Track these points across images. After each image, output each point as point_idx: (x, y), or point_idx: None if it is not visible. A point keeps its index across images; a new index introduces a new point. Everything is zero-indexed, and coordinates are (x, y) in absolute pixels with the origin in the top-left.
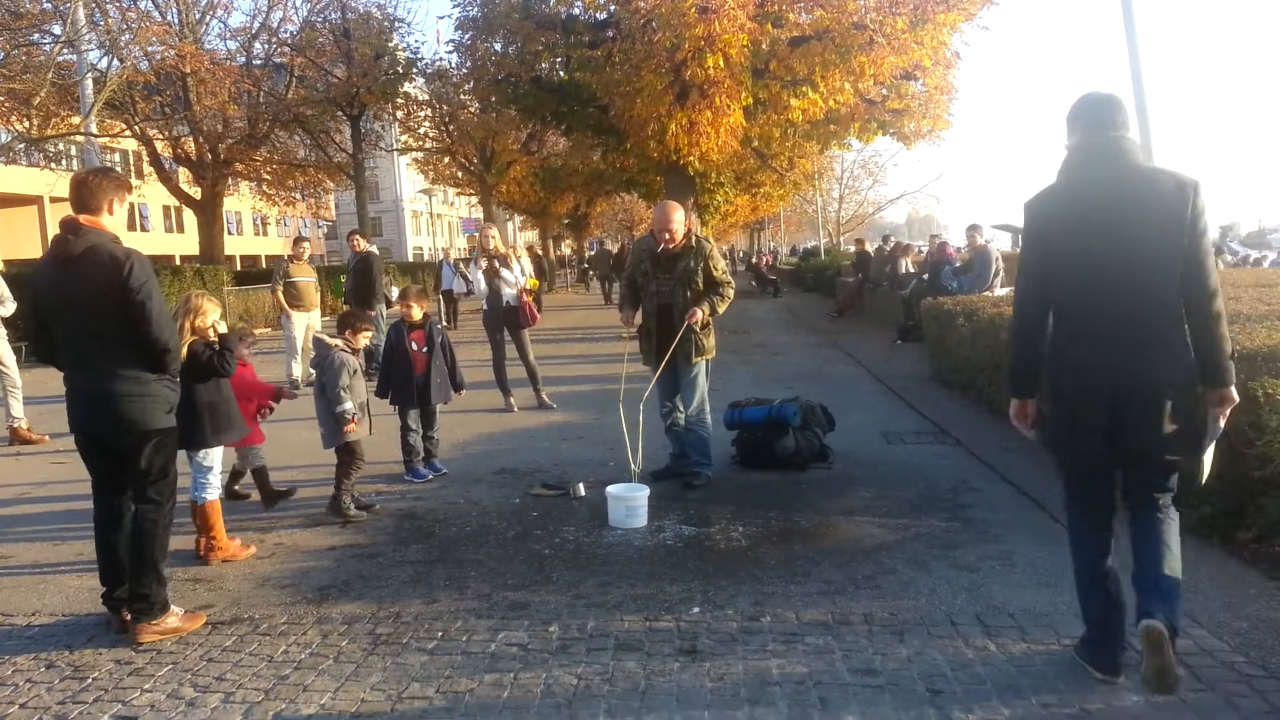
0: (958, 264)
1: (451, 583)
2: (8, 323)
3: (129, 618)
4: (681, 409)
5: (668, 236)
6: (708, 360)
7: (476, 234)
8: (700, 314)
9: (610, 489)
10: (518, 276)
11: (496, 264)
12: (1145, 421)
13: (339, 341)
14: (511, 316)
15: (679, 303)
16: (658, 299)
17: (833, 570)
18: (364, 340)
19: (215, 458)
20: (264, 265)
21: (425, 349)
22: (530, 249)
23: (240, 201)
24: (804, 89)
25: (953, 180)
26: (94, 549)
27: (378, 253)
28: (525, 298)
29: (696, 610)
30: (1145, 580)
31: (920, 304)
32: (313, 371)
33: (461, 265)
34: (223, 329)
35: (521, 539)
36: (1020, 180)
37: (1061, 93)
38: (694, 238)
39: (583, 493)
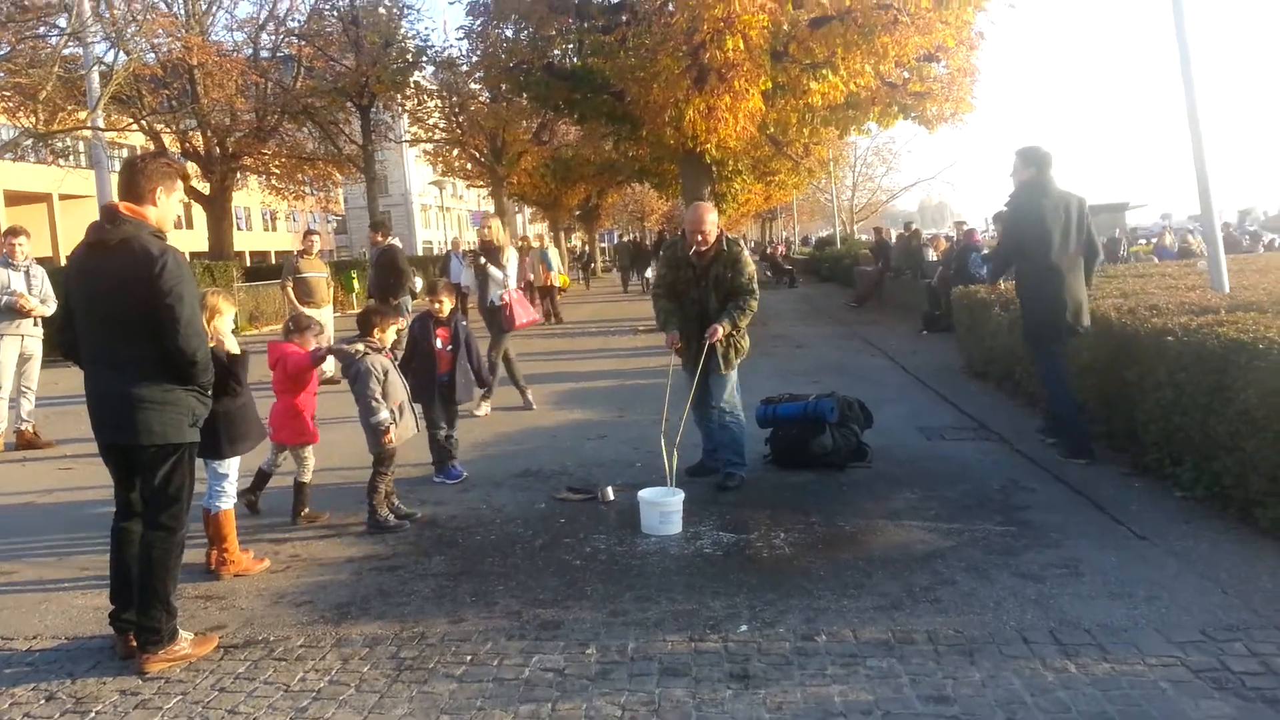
0: (985, 251)
1: (478, 598)
2: (48, 322)
3: (135, 644)
4: (712, 403)
5: (700, 238)
6: (740, 360)
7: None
8: (721, 330)
9: (642, 494)
10: (507, 274)
11: (484, 260)
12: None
13: (360, 346)
14: (494, 316)
15: (710, 309)
16: (698, 307)
17: (887, 581)
18: (393, 333)
19: (232, 465)
20: (274, 261)
21: (450, 347)
22: (570, 246)
23: (249, 196)
24: (824, 72)
25: (967, 166)
26: (100, 562)
27: (400, 245)
28: (507, 297)
29: (744, 628)
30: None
31: (950, 293)
32: (326, 371)
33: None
34: (233, 346)
35: (550, 548)
36: None
37: (1078, 76)
38: (725, 240)
39: (611, 496)
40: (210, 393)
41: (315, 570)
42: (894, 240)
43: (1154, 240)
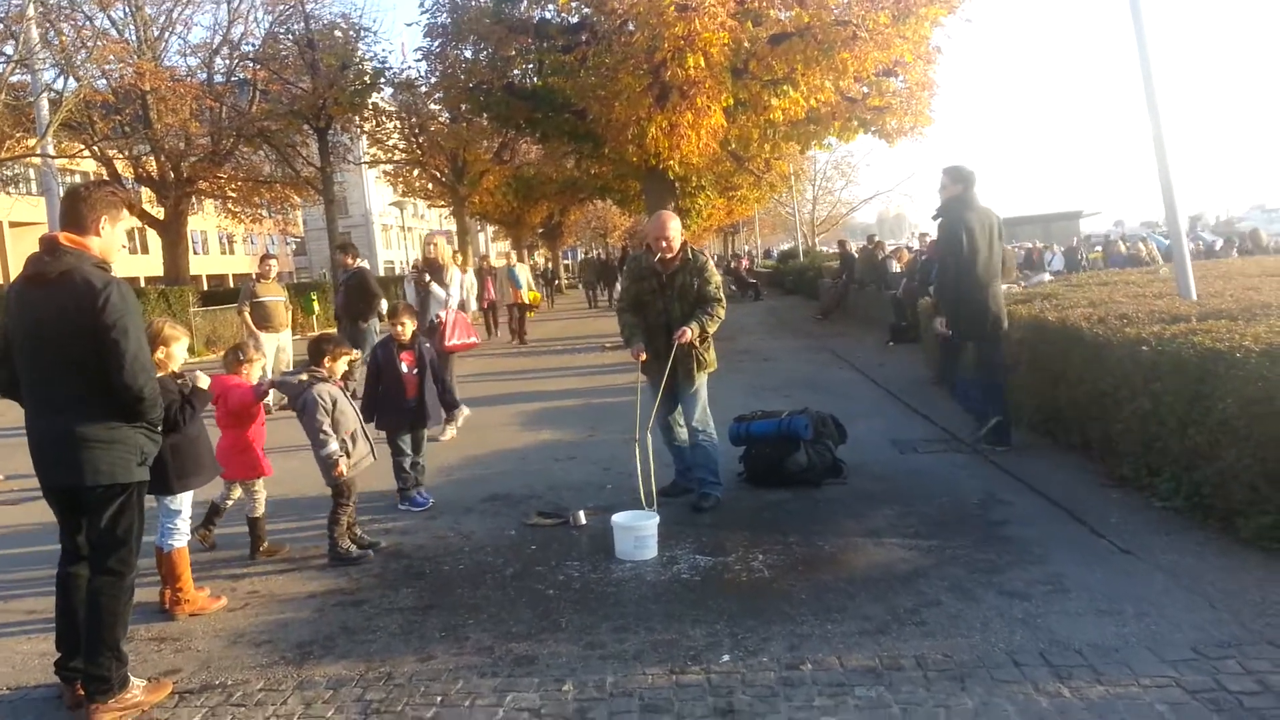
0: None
1: (448, 633)
2: None
3: (84, 694)
4: (683, 422)
5: (664, 245)
6: (709, 373)
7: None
8: (689, 332)
9: (616, 518)
10: (451, 294)
11: (426, 276)
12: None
13: (304, 376)
14: (433, 336)
15: (675, 319)
16: (664, 317)
17: (870, 604)
18: (343, 364)
19: (185, 501)
20: (232, 284)
21: (416, 370)
22: (532, 264)
23: (205, 220)
24: (785, 88)
25: (924, 178)
26: (47, 605)
27: (369, 268)
28: (444, 316)
29: (727, 658)
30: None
31: (916, 304)
32: (269, 404)
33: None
34: (202, 380)
35: (522, 577)
36: (990, 176)
37: (1033, 86)
38: (690, 250)
39: (583, 521)
40: (160, 429)
41: (275, 607)
42: (857, 253)
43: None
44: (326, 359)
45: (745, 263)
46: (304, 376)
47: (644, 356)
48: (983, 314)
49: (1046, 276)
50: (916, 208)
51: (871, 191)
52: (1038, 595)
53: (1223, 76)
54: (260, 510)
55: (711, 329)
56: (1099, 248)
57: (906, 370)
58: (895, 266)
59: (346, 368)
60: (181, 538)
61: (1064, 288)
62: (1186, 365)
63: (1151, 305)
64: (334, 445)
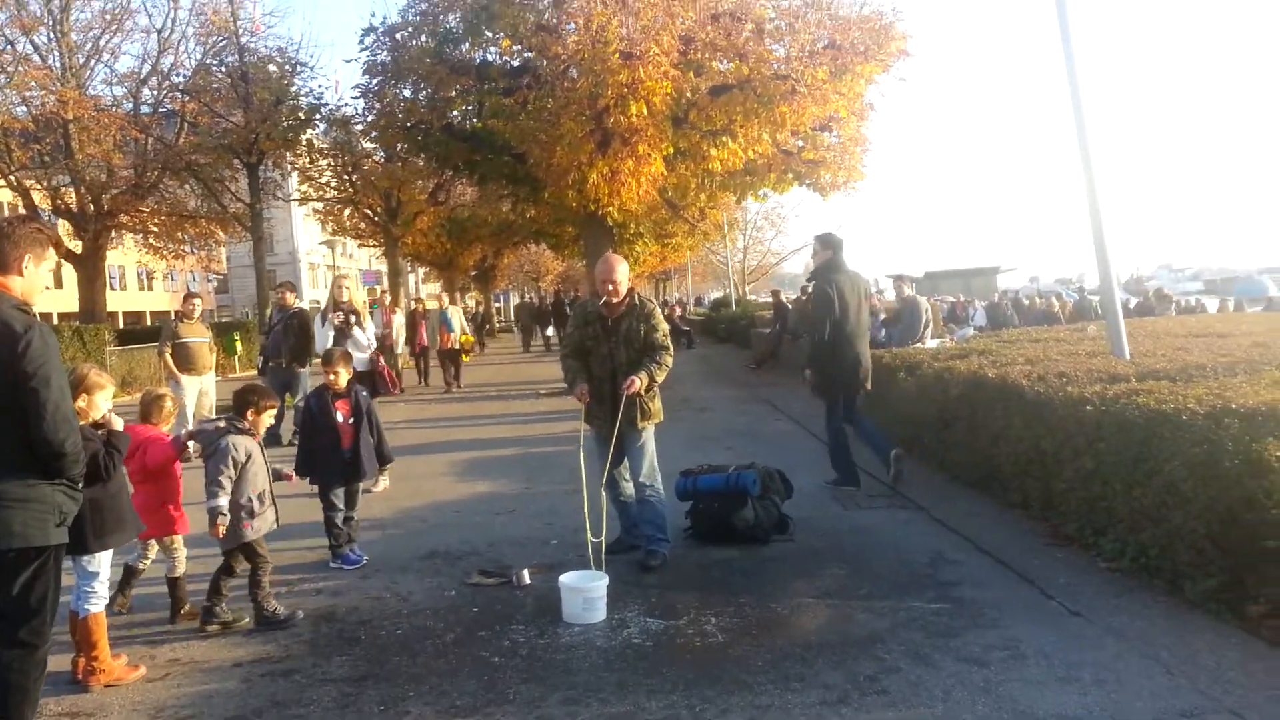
0: (883, 315)
1: (387, 707)
2: None
3: None
4: (629, 477)
5: (611, 289)
6: (655, 424)
7: (376, 286)
8: (638, 383)
9: (564, 579)
10: (370, 339)
11: (353, 319)
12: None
13: (221, 423)
14: (363, 383)
15: (621, 365)
16: (610, 363)
17: (829, 671)
18: (268, 419)
19: (104, 561)
20: (150, 322)
21: (352, 420)
22: (464, 306)
23: (124, 255)
24: (724, 139)
25: (850, 231)
26: None
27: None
28: (381, 362)
29: None
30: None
31: None
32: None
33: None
34: (116, 424)
35: (464, 643)
36: (911, 231)
37: (959, 148)
38: (637, 296)
39: (527, 580)
40: (80, 485)
41: (198, 677)
42: (790, 303)
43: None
44: (251, 411)
45: (678, 310)
46: (221, 423)
47: (587, 399)
48: (855, 367)
49: (971, 331)
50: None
51: (800, 242)
52: (996, 661)
53: (1130, 139)
54: (180, 570)
55: (659, 378)
56: (1028, 301)
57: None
58: None
59: (272, 421)
60: (99, 601)
61: (997, 344)
62: (1131, 426)
63: (1088, 364)
64: (223, 501)
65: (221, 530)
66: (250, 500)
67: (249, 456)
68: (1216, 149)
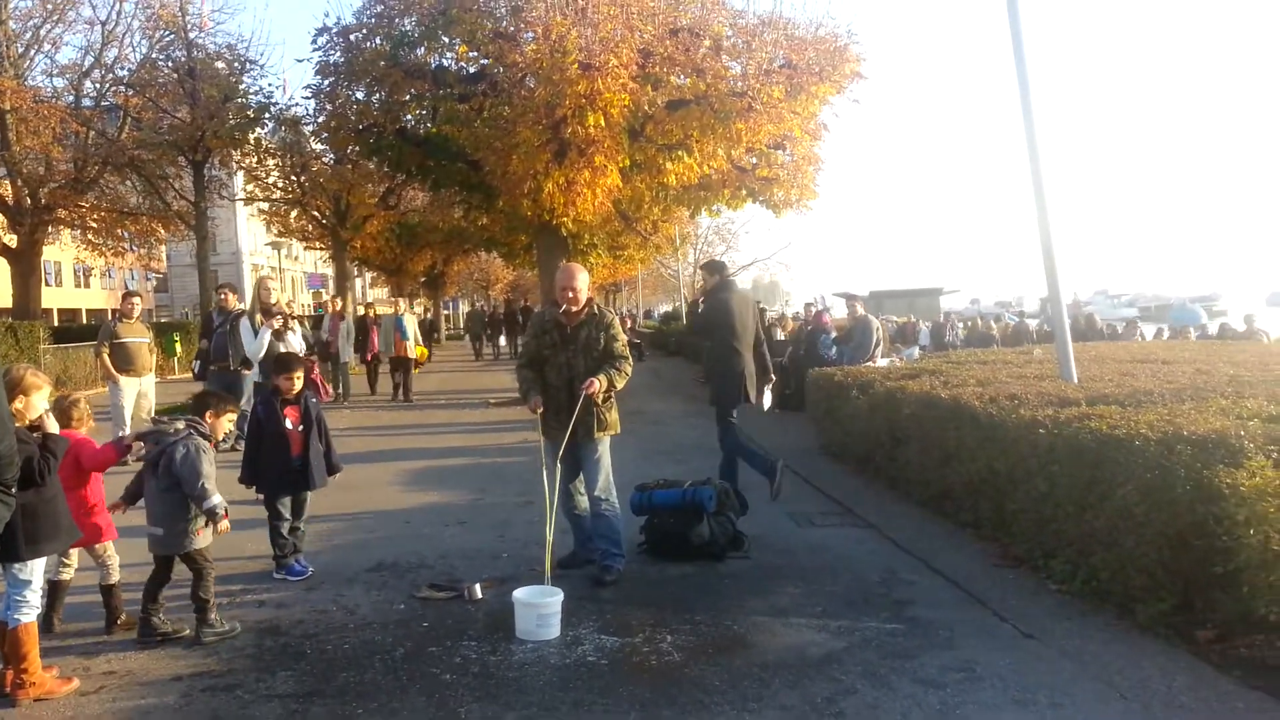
0: (835, 334)
1: None
2: None
3: None
4: (583, 491)
5: (570, 296)
6: (611, 436)
7: (321, 290)
8: (597, 384)
9: (518, 594)
10: (302, 343)
11: (289, 323)
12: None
13: (179, 424)
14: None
15: (579, 374)
16: (567, 371)
17: (786, 691)
18: (227, 424)
19: (36, 569)
20: (85, 320)
21: (301, 427)
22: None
23: (61, 251)
24: (679, 153)
25: (799, 248)
26: None
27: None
28: (315, 369)
29: None
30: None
31: (804, 373)
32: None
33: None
34: (52, 426)
35: (414, 659)
36: (855, 250)
37: (899, 170)
38: (596, 306)
39: (479, 594)
40: (13, 490)
41: (135, 691)
42: None
43: (971, 322)
44: (210, 414)
45: (629, 322)
46: (180, 425)
47: (541, 409)
48: (737, 382)
49: (916, 351)
50: (792, 277)
51: (750, 258)
52: (952, 684)
53: (1069, 166)
54: (115, 577)
55: (619, 384)
56: (961, 325)
57: (794, 439)
58: (779, 334)
59: (230, 426)
60: (30, 611)
61: (947, 364)
62: (1084, 450)
63: (1038, 387)
64: (219, 498)
65: (224, 529)
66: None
67: (212, 462)
68: (1152, 178)
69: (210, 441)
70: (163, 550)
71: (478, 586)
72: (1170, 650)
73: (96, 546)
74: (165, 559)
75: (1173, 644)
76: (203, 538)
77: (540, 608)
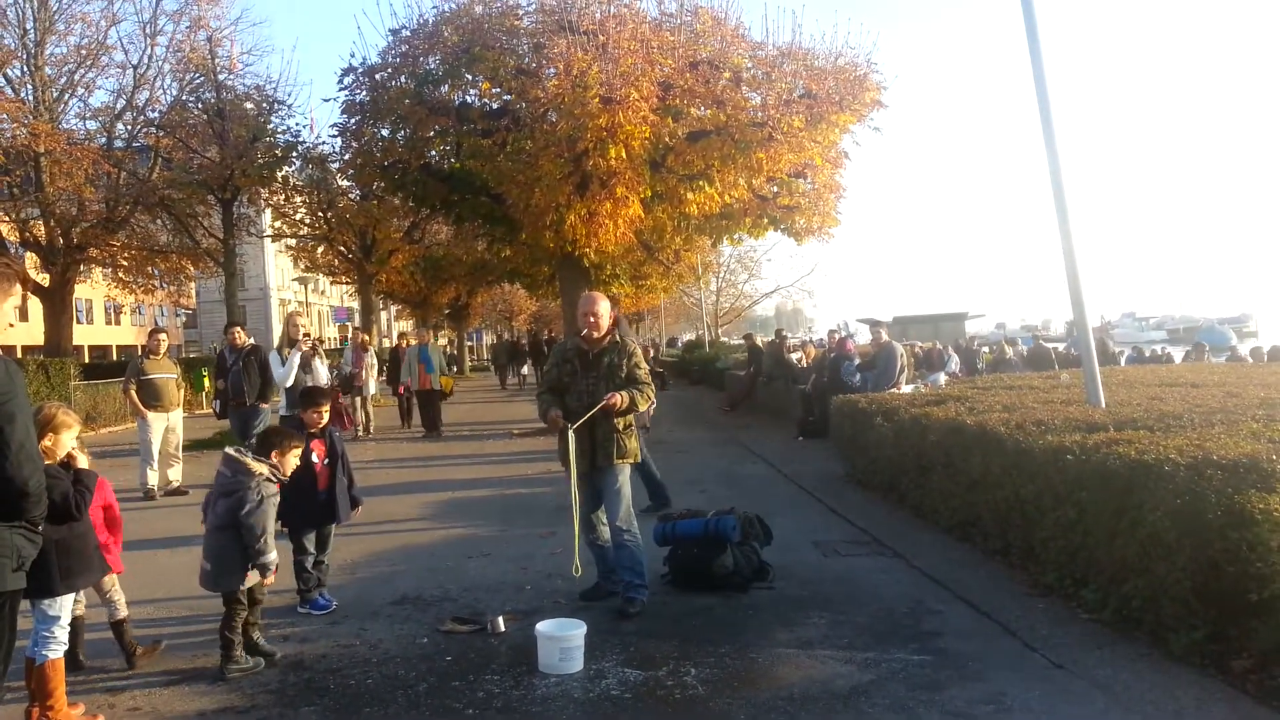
0: (859, 360)
1: None
2: None
3: None
4: (605, 520)
5: (592, 321)
6: (631, 465)
7: (346, 323)
8: (619, 398)
9: (541, 628)
10: (327, 373)
11: (319, 348)
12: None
13: (264, 468)
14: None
15: (600, 400)
16: (589, 398)
17: None
18: (294, 461)
19: (65, 605)
20: (116, 357)
21: (327, 461)
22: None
23: (92, 289)
24: (700, 183)
25: (822, 275)
26: None
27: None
28: (339, 397)
29: None
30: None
31: (828, 400)
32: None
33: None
34: (81, 460)
35: (436, 694)
36: (879, 276)
37: (923, 194)
38: (618, 334)
39: (502, 628)
40: (40, 528)
41: None
42: (764, 346)
43: (994, 347)
44: (275, 453)
45: (651, 351)
46: (263, 469)
47: (560, 421)
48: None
49: (943, 377)
50: (815, 304)
51: (772, 285)
52: (982, 716)
53: (1095, 187)
54: (123, 612)
55: (641, 406)
56: (985, 349)
57: (818, 466)
58: (801, 361)
59: (297, 462)
60: (59, 647)
61: (973, 390)
62: (1113, 476)
63: (1065, 412)
64: (274, 554)
65: (269, 583)
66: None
67: (275, 506)
68: (1180, 198)
69: (278, 484)
70: (211, 587)
71: (501, 619)
72: (1205, 680)
73: (105, 581)
74: (227, 598)
75: (1207, 674)
76: (249, 579)
77: (563, 641)
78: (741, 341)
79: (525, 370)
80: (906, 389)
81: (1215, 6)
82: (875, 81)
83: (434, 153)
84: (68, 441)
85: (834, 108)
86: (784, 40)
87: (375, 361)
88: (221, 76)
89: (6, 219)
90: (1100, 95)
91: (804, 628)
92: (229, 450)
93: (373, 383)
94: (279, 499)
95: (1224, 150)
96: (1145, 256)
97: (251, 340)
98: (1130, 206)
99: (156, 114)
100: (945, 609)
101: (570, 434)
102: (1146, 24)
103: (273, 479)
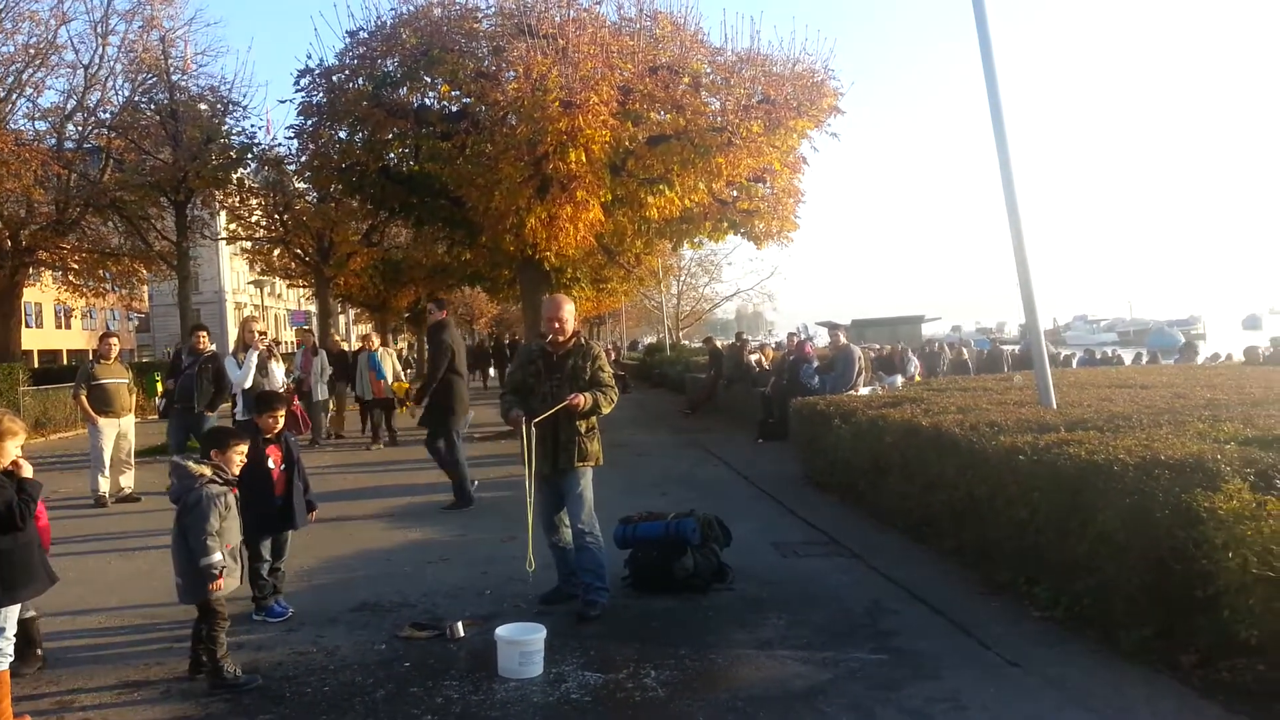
0: (817, 364)
1: None
2: None
3: None
4: (567, 522)
5: (557, 326)
6: (593, 467)
7: (304, 326)
8: (582, 399)
9: (500, 632)
10: (283, 377)
11: (274, 349)
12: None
13: (205, 469)
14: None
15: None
16: (553, 400)
17: None
18: (239, 461)
19: (10, 616)
20: (66, 361)
21: (284, 466)
22: (397, 349)
23: (42, 292)
24: (661, 187)
25: (782, 279)
26: None
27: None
28: (295, 400)
29: None
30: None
31: (787, 402)
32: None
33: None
34: (27, 471)
35: (395, 701)
36: (836, 279)
37: (880, 199)
38: (582, 338)
39: (461, 633)
40: None
41: None
42: (724, 349)
43: (953, 349)
44: (215, 452)
45: (613, 354)
46: (205, 470)
47: (523, 419)
48: (462, 402)
49: (899, 380)
50: (775, 307)
51: (733, 289)
52: (938, 714)
53: (1048, 190)
54: (32, 611)
55: (605, 409)
56: (948, 350)
57: (777, 467)
58: (761, 364)
59: (243, 462)
60: (3, 659)
61: (928, 392)
62: (1063, 476)
63: (1017, 414)
64: (218, 556)
65: (221, 585)
66: (224, 556)
67: (229, 508)
68: (1131, 202)
69: (232, 488)
70: (184, 600)
71: (460, 625)
72: (1153, 676)
73: None
74: (200, 607)
75: (1156, 670)
76: (219, 590)
77: (523, 645)
78: (702, 345)
79: (491, 372)
80: (864, 391)
81: (1164, 14)
82: (832, 88)
83: (393, 155)
84: (12, 449)
85: (792, 113)
86: (743, 46)
87: (326, 365)
88: (175, 77)
89: None
90: (1053, 102)
91: (763, 628)
92: (175, 459)
93: (322, 386)
94: (233, 500)
95: (1174, 156)
96: (1097, 259)
97: (213, 347)
98: (1083, 210)
99: (108, 115)
100: (902, 609)
101: (531, 429)
102: (1099, 31)
103: (217, 480)
